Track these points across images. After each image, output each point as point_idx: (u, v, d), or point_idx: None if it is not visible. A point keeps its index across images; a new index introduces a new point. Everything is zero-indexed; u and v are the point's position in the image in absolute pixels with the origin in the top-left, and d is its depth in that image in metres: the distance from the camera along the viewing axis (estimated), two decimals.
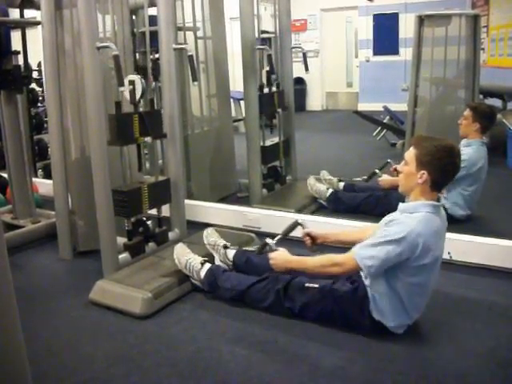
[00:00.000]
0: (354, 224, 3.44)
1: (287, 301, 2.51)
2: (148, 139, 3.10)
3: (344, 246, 2.54)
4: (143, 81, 2.97)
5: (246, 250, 2.93)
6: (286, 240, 2.71)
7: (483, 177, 3.71)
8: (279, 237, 2.64)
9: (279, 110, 4.51)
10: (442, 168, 2.22)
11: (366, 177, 4.26)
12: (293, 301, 2.50)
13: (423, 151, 2.22)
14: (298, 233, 2.73)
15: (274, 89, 4.46)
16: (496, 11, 8.08)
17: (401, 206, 2.34)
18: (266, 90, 4.39)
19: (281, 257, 2.51)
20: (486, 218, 3.83)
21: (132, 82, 2.94)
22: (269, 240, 2.61)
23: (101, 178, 2.94)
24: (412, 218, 2.21)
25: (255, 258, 2.88)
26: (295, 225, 2.72)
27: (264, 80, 4.36)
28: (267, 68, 4.33)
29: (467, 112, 3.69)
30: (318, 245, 2.70)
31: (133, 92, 2.95)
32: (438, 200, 2.31)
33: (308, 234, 2.68)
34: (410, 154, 2.27)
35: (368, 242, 2.26)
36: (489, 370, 2.13)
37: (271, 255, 2.53)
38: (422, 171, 2.21)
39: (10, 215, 4.10)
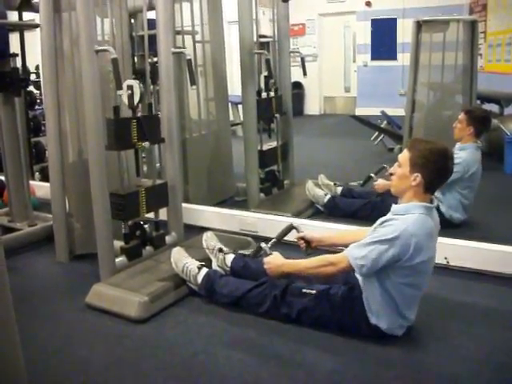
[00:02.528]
0: (351, 228, 3.44)
1: (284, 306, 2.51)
2: (146, 144, 3.09)
3: (338, 250, 2.52)
4: (141, 85, 2.96)
5: (243, 254, 2.92)
6: (283, 244, 2.71)
7: (477, 181, 3.72)
8: (274, 240, 2.64)
9: (277, 115, 4.50)
10: (435, 171, 2.23)
11: (361, 181, 4.27)
12: (290, 306, 2.50)
13: (417, 154, 2.23)
14: (293, 236, 2.73)
15: (271, 94, 4.45)
16: (493, 17, 8.12)
17: (394, 207, 2.34)
18: (264, 96, 4.38)
19: (274, 261, 2.51)
20: (482, 223, 3.84)
21: (130, 87, 2.94)
22: (263, 244, 2.60)
23: (98, 181, 2.94)
24: (405, 218, 2.22)
25: (253, 264, 2.88)
26: (290, 228, 2.72)
27: (262, 85, 4.36)
28: (265, 73, 4.33)
29: (462, 116, 3.72)
30: (312, 248, 2.68)
31: (131, 97, 2.94)
32: (432, 202, 2.31)
33: (302, 238, 2.68)
34: (404, 156, 2.28)
35: (361, 242, 2.27)
36: (485, 375, 2.14)
37: (266, 259, 2.53)
38: (416, 174, 2.22)
39: (7, 218, 4.09)
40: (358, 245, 2.27)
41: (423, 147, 2.24)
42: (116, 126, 2.95)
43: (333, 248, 2.71)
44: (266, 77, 4.33)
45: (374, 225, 2.38)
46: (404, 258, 2.18)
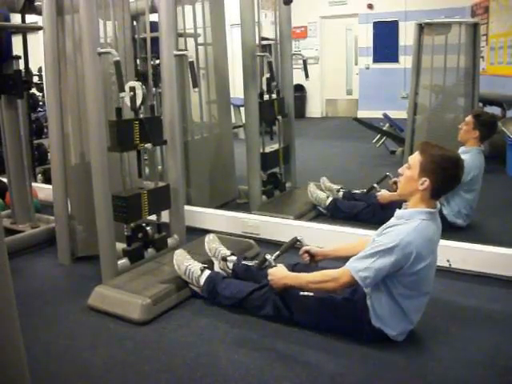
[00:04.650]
0: (353, 231, 3.44)
1: (285, 309, 2.51)
2: (148, 145, 3.10)
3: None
4: (144, 87, 2.98)
5: (247, 265, 2.87)
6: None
7: (479, 185, 3.70)
8: (278, 253, 2.61)
9: (279, 117, 4.51)
10: (444, 178, 2.23)
11: (365, 190, 4.24)
12: (290, 309, 2.50)
13: (429, 159, 2.22)
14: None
15: (273, 96, 4.47)
16: (495, 20, 8.11)
17: (398, 212, 2.34)
18: (266, 99, 4.39)
19: (277, 273, 2.48)
20: (485, 226, 3.83)
21: (133, 89, 2.95)
22: (268, 256, 2.58)
23: (100, 184, 2.94)
24: (407, 225, 2.22)
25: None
26: (294, 241, 2.70)
27: (264, 87, 4.37)
28: (267, 75, 4.34)
29: (469, 118, 3.68)
30: (316, 262, 2.69)
31: (133, 98, 2.96)
32: (435, 206, 2.30)
33: (307, 252, 2.68)
34: (415, 159, 2.27)
35: (361, 254, 2.25)
36: (488, 379, 2.13)
37: (269, 271, 2.51)
38: (424, 178, 2.21)
39: (10, 220, 4.09)
40: (358, 257, 2.25)
41: (435, 153, 2.23)
42: (118, 128, 2.96)
43: (339, 259, 2.64)
44: (268, 79, 4.34)
45: (377, 231, 2.38)
46: (406, 265, 2.18)
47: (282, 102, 4.59)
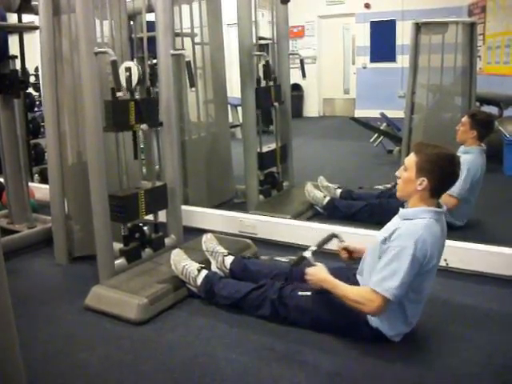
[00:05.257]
0: (351, 231, 3.44)
1: (282, 309, 2.51)
2: (144, 126, 3.06)
3: None
4: (140, 67, 2.95)
5: (281, 261, 2.78)
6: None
7: (479, 186, 3.71)
8: (314, 249, 2.53)
9: (276, 103, 4.48)
10: (442, 176, 2.22)
11: (389, 185, 4.16)
12: (287, 309, 2.49)
13: (424, 158, 2.21)
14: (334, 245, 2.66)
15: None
16: (492, 19, 8.13)
17: (401, 211, 2.32)
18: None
19: (318, 273, 2.39)
20: (482, 226, 3.84)
21: (128, 69, 2.92)
22: (306, 254, 2.50)
23: (97, 183, 2.93)
24: (415, 224, 2.20)
25: (252, 266, 2.87)
26: (331, 237, 2.62)
27: (261, 73, 4.34)
28: (263, 62, 4.32)
29: (465, 119, 3.69)
30: (355, 259, 2.60)
31: (129, 79, 2.92)
32: (439, 206, 2.30)
33: (345, 248, 2.62)
34: (411, 160, 2.26)
35: (387, 271, 2.15)
36: (486, 377, 2.13)
37: (308, 270, 2.43)
38: (422, 178, 2.21)
39: (6, 220, 4.08)
40: (385, 276, 2.15)
41: (430, 152, 2.22)
42: (114, 108, 2.91)
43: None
44: (264, 65, 4.30)
45: (381, 232, 2.34)
46: (423, 262, 2.16)
47: (279, 88, 4.55)
